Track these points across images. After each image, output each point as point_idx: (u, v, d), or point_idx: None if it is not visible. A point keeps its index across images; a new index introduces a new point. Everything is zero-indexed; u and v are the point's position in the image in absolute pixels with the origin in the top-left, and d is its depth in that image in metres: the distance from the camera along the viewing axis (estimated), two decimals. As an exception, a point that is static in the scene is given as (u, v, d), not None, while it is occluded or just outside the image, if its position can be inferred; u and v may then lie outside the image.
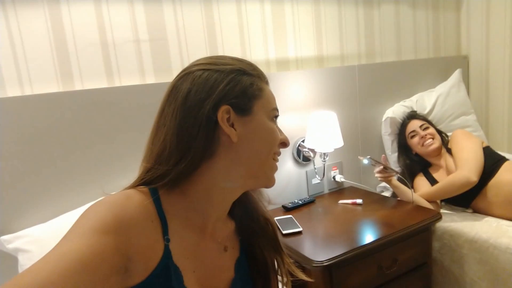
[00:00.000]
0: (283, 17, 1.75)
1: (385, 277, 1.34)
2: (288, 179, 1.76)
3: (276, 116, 0.66)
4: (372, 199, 1.70)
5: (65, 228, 0.50)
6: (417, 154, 1.91)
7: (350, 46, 1.99)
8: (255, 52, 1.70)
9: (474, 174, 1.54)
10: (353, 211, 1.58)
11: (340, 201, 1.69)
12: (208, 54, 1.55)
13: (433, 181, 1.76)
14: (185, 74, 0.61)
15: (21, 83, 1.24)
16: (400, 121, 1.98)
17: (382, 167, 1.62)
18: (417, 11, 2.23)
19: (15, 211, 1.19)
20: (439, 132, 1.91)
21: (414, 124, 1.89)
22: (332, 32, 1.91)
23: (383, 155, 1.70)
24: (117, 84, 1.40)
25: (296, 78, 1.74)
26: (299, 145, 1.76)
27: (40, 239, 1.13)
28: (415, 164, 1.90)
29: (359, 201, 1.64)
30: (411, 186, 1.72)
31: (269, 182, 0.66)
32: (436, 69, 2.28)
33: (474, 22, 2.37)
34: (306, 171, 1.81)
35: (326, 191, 1.87)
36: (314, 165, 1.80)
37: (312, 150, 1.73)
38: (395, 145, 2.00)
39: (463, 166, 1.58)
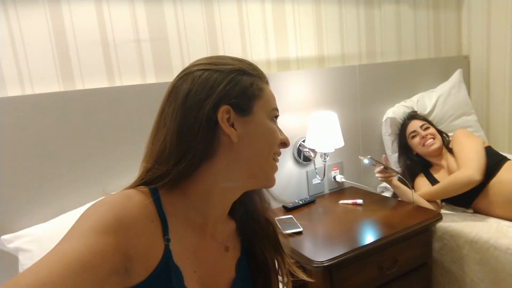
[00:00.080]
0: (284, 17, 1.75)
1: (386, 278, 1.34)
2: (288, 179, 1.76)
3: (276, 116, 0.66)
4: (373, 199, 1.70)
5: (66, 228, 0.50)
6: (417, 155, 1.90)
7: (351, 46, 1.99)
8: (256, 52, 1.70)
9: (478, 173, 1.53)
10: (353, 212, 1.58)
11: (341, 201, 1.69)
12: (209, 54, 1.54)
13: (434, 181, 1.76)
14: (185, 74, 0.61)
15: (22, 83, 1.24)
16: (401, 121, 1.98)
17: (382, 167, 1.61)
18: (418, 11, 2.23)
19: (15, 210, 1.19)
20: (440, 132, 1.91)
21: (415, 124, 1.89)
22: (333, 32, 1.91)
23: (384, 155, 1.70)
24: (117, 83, 1.40)
25: (296, 78, 1.74)
26: (299, 145, 1.76)
27: (41, 239, 1.13)
28: (415, 164, 1.90)
29: (360, 201, 1.64)
30: (412, 187, 1.71)
31: (269, 182, 0.66)
32: (436, 69, 2.28)
33: (475, 22, 2.36)
34: (307, 171, 1.81)
35: (326, 191, 1.87)
36: (315, 165, 1.80)
37: (313, 150, 1.73)
38: (396, 145, 2.00)
39: (467, 165, 1.57)
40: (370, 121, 2.01)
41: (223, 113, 0.58)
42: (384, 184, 1.98)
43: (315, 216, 1.61)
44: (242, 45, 1.66)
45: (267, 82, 0.66)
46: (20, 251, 1.11)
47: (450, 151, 1.78)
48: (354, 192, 1.83)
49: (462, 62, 2.39)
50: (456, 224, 1.58)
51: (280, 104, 0.68)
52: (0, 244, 1.14)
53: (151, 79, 1.46)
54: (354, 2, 1.96)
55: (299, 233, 1.39)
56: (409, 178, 1.82)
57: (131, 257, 0.51)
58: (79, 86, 1.33)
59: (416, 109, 2.04)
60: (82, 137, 1.28)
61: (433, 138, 1.82)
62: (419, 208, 1.55)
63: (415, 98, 2.12)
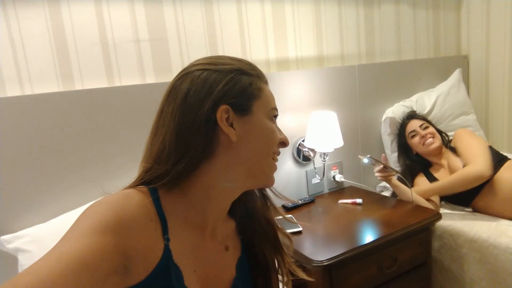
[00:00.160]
0: (283, 17, 1.75)
1: (385, 277, 1.34)
2: (288, 178, 1.76)
3: (276, 116, 0.66)
4: (372, 198, 1.70)
5: (65, 228, 0.50)
6: (417, 154, 1.91)
7: (350, 46, 1.99)
8: (255, 52, 1.70)
9: (488, 169, 1.53)
10: (353, 211, 1.58)
11: (340, 201, 1.69)
12: (209, 54, 1.55)
13: (433, 181, 1.76)
14: (184, 74, 0.61)
15: (21, 83, 1.24)
16: (400, 121, 1.98)
17: (382, 166, 1.62)
18: (417, 11, 2.23)
19: (15, 211, 1.19)
20: (439, 132, 1.91)
21: (414, 124, 1.89)
22: (332, 32, 1.91)
23: (383, 154, 1.70)
24: (117, 84, 1.40)
25: (296, 78, 1.74)
26: (299, 145, 1.76)
27: (40, 239, 1.13)
28: (415, 164, 1.90)
29: (359, 200, 1.64)
30: (411, 186, 1.72)
31: (268, 181, 0.66)
32: (436, 69, 2.28)
33: (474, 22, 2.37)
34: (306, 171, 1.81)
35: (326, 190, 1.87)
36: (314, 165, 1.80)
37: (312, 150, 1.73)
38: (395, 145, 2.00)
39: (475, 160, 1.57)
40: (370, 120, 2.02)
41: (222, 113, 0.58)
42: (384, 183, 1.99)
43: (315, 215, 1.61)
44: (242, 45, 1.66)
45: (266, 82, 0.66)
46: (20, 252, 1.11)
47: (452, 150, 1.78)
48: (353, 191, 1.84)
49: (461, 62, 2.39)
50: (455, 223, 1.58)
51: (279, 104, 0.68)
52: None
53: (150, 79, 1.46)
54: (354, 2, 1.96)
55: (299, 232, 1.40)
56: (409, 177, 1.82)
57: (130, 257, 0.51)
58: (78, 86, 1.33)
59: (415, 109, 2.04)
60: (81, 137, 1.28)
61: (433, 137, 1.83)
62: (419, 208, 1.55)
63: (414, 97, 2.12)
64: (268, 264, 0.72)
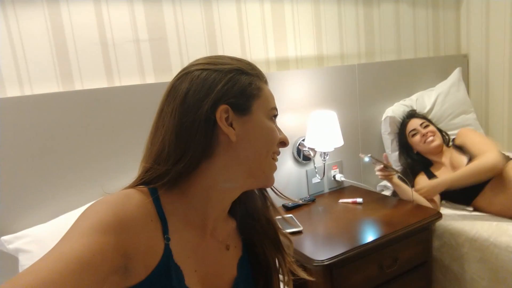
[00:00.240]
0: (283, 16, 1.75)
1: (386, 276, 1.34)
2: (288, 178, 1.76)
3: (275, 116, 0.66)
4: (373, 198, 1.70)
5: (66, 228, 0.50)
6: (418, 153, 1.91)
7: (350, 45, 1.99)
8: (255, 51, 1.70)
9: (501, 160, 1.53)
10: (353, 210, 1.58)
11: (340, 200, 1.69)
12: (208, 54, 1.55)
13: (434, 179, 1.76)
14: (184, 74, 0.61)
15: (21, 83, 1.24)
16: (400, 120, 1.98)
17: (382, 165, 1.62)
18: (417, 10, 2.23)
19: (15, 211, 1.19)
20: (439, 131, 1.91)
21: (415, 123, 1.89)
22: (332, 31, 1.91)
23: (385, 153, 1.70)
24: (117, 84, 1.39)
25: (296, 78, 1.74)
26: (299, 144, 1.76)
27: (41, 239, 1.13)
28: (416, 163, 1.90)
29: (360, 200, 1.64)
30: (412, 185, 1.71)
31: (268, 181, 0.66)
32: (435, 68, 2.28)
33: (474, 21, 2.37)
34: (306, 170, 1.81)
35: (326, 190, 1.87)
36: (314, 164, 1.80)
37: (312, 149, 1.73)
38: (395, 144, 2.00)
39: (488, 152, 1.57)
40: (370, 120, 2.02)
41: (222, 113, 0.58)
42: (384, 182, 1.99)
43: (315, 215, 1.61)
44: (241, 44, 1.66)
45: (266, 82, 0.66)
46: (20, 252, 1.11)
47: (456, 147, 1.78)
48: (354, 191, 1.84)
49: (461, 61, 2.39)
50: (456, 222, 1.58)
51: (279, 104, 0.68)
52: (0, 245, 1.14)
53: (150, 79, 1.46)
54: (353, 1, 1.96)
55: (299, 232, 1.40)
56: (410, 176, 1.82)
57: (130, 257, 0.51)
58: (78, 87, 1.33)
59: (415, 108, 2.04)
60: (81, 137, 1.28)
61: (433, 136, 1.83)
62: (419, 207, 1.55)
63: (414, 97, 2.12)
64: (269, 264, 0.72)
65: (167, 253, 0.57)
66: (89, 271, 0.45)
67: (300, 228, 1.41)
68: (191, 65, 0.63)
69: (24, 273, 0.43)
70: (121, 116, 1.34)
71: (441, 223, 1.59)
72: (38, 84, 1.26)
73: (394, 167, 1.83)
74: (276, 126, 0.66)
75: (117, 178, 1.33)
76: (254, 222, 0.72)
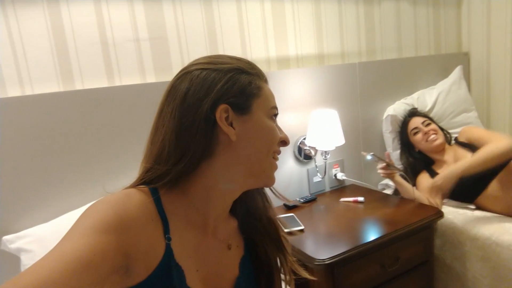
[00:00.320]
0: (283, 15, 1.75)
1: (388, 275, 1.34)
2: (289, 177, 1.76)
3: (276, 115, 0.66)
4: (374, 197, 1.70)
5: (67, 228, 0.50)
6: (420, 152, 1.90)
7: (351, 43, 1.98)
8: (256, 50, 1.69)
9: None
10: (354, 209, 1.58)
11: (342, 199, 1.68)
12: (209, 53, 1.55)
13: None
14: (184, 74, 0.61)
15: (22, 83, 1.24)
16: (401, 118, 1.98)
17: (385, 164, 1.61)
18: (418, 8, 2.23)
19: (17, 211, 1.19)
20: (441, 129, 1.91)
21: (416, 121, 1.89)
22: (333, 29, 1.91)
23: (387, 151, 1.70)
24: (117, 83, 1.39)
25: (296, 76, 1.74)
26: (300, 143, 1.76)
27: (42, 239, 1.13)
28: (418, 161, 1.90)
29: (361, 199, 1.64)
30: (414, 184, 1.71)
31: (269, 181, 0.65)
32: (437, 66, 2.27)
33: (475, 19, 2.36)
34: (308, 169, 1.80)
35: (327, 189, 1.87)
36: (316, 163, 1.80)
37: (313, 148, 1.73)
38: (396, 142, 2.00)
39: (498, 138, 1.55)
40: (371, 118, 2.01)
41: (221, 112, 0.58)
42: (385, 181, 1.98)
43: (316, 214, 1.61)
44: (242, 43, 1.65)
45: (266, 81, 0.66)
46: (22, 252, 1.11)
47: (461, 144, 1.77)
48: (355, 189, 1.83)
49: (462, 59, 2.39)
50: (457, 220, 1.58)
51: (280, 103, 0.67)
52: (2, 245, 1.14)
53: (150, 79, 1.46)
54: (354, 0, 1.96)
55: (301, 231, 1.39)
56: (411, 175, 1.82)
57: (131, 256, 0.51)
58: (78, 86, 1.33)
59: (416, 106, 2.04)
60: (82, 137, 1.28)
61: (436, 134, 1.82)
62: (421, 205, 1.55)
63: (415, 95, 2.12)
64: (271, 263, 0.72)
65: (168, 252, 0.57)
66: (90, 271, 0.45)
67: (302, 227, 1.40)
68: (191, 64, 0.62)
69: (25, 273, 0.43)
70: (122, 116, 1.34)
71: (443, 221, 1.59)
72: (38, 84, 1.26)
73: (396, 165, 1.83)
74: (277, 125, 0.66)
75: (118, 178, 1.33)
76: (256, 221, 0.71)
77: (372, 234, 1.31)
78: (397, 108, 2.01)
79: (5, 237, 1.14)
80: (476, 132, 1.74)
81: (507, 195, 1.56)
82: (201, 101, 0.58)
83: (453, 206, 1.73)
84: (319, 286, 1.23)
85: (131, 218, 0.52)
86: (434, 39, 2.33)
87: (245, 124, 0.60)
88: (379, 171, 1.64)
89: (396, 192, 1.79)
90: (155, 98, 0.65)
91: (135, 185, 0.61)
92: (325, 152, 1.71)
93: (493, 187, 1.59)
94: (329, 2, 1.88)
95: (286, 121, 1.71)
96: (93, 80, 1.35)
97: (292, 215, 1.52)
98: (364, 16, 2.01)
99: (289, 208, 1.64)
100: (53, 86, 1.29)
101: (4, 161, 1.17)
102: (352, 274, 1.26)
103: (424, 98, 2.11)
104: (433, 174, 1.80)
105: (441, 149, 1.83)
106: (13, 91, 1.23)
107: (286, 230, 1.39)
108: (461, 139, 1.79)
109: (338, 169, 1.89)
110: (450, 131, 1.98)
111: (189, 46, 1.52)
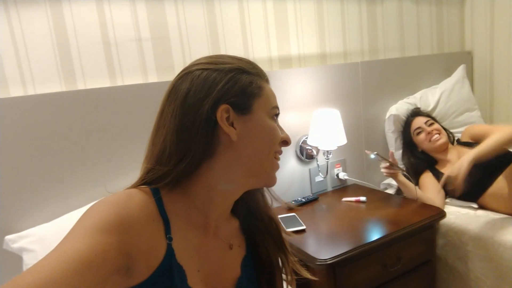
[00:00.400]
0: (285, 14, 1.75)
1: (389, 275, 1.34)
2: (291, 177, 1.76)
3: (277, 115, 0.66)
4: (376, 196, 1.69)
5: (69, 228, 0.50)
6: (422, 152, 1.90)
7: (353, 43, 1.98)
8: (258, 49, 1.69)
9: None
10: (356, 209, 1.58)
11: (344, 199, 1.68)
12: (211, 53, 1.55)
13: (441, 178, 1.74)
14: (185, 74, 0.61)
15: (24, 83, 1.24)
16: (404, 118, 1.97)
17: (388, 163, 1.61)
18: (421, 7, 2.22)
19: (19, 211, 1.20)
20: (443, 129, 1.90)
21: (419, 121, 1.88)
22: (335, 29, 1.90)
23: (391, 151, 1.69)
24: (119, 83, 1.40)
25: (298, 76, 1.74)
26: (302, 143, 1.75)
27: (44, 239, 1.13)
28: (421, 161, 1.89)
29: (363, 198, 1.64)
30: (416, 184, 1.71)
31: (270, 181, 0.65)
32: (439, 65, 2.26)
33: (478, 18, 2.35)
34: (309, 169, 1.80)
35: (329, 188, 1.87)
36: (318, 163, 1.79)
37: (315, 148, 1.72)
38: (399, 142, 1.99)
39: (507, 126, 1.54)
40: (373, 118, 2.01)
41: (222, 112, 0.58)
42: (387, 181, 1.98)
43: (318, 213, 1.60)
44: (244, 43, 1.65)
45: (267, 80, 0.66)
46: (24, 251, 1.12)
47: (464, 144, 1.76)
48: (357, 189, 1.83)
49: (465, 58, 2.38)
50: (460, 220, 1.57)
51: (282, 102, 0.67)
52: (4, 244, 1.15)
53: (152, 78, 1.46)
54: (356, -1, 1.96)
55: (302, 231, 1.39)
56: (414, 175, 1.81)
57: (132, 256, 0.51)
58: (81, 86, 1.33)
59: (419, 106, 2.03)
60: (84, 137, 1.28)
61: (439, 134, 1.82)
62: (423, 205, 1.54)
63: (418, 94, 2.11)
64: (272, 263, 0.72)
65: (170, 252, 0.57)
66: (91, 271, 0.45)
67: (303, 227, 1.40)
68: (192, 64, 0.62)
69: (26, 273, 0.43)
70: (124, 115, 1.34)
71: (445, 221, 1.58)
72: (40, 84, 1.27)
73: (399, 165, 1.83)
74: (278, 125, 0.66)
75: (120, 178, 1.33)
76: (257, 221, 0.71)
77: (374, 234, 1.31)
78: (399, 107, 2.01)
79: (7, 237, 1.14)
80: (479, 127, 1.75)
81: (509, 194, 1.55)
82: (202, 101, 0.57)
83: (455, 205, 1.72)
84: (321, 286, 1.23)
85: (132, 218, 0.52)
86: (437, 38, 2.32)
87: (246, 124, 0.60)
88: (382, 170, 1.64)
89: (398, 191, 1.78)
90: (157, 98, 0.65)
91: (136, 185, 0.61)
92: (327, 151, 1.71)
93: (498, 184, 1.58)
94: (332, 1, 1.87)
95: (288, 121, 1.71)
96: (95, 80, 1.35)
97: (294, 215, 1.52)
98: (366, 15, 2.00)
99: (290, 208, 1.63)
100: (55, 86, 1.29)
101: (6, 161, 1.17)
102: (354, 274, 1.26)
103: (427, 97, 2.10)
104: (436, 173, 1.80)
105: (444, 149, 1.83)
106: (16, 91, 1.23)
107: (287, 230, 1.39)
108: (464, 139, 1.79)
109: (340, 168, 1.88)
110: (453, 130, 1.98)
111: (191, 45, 1.52)
